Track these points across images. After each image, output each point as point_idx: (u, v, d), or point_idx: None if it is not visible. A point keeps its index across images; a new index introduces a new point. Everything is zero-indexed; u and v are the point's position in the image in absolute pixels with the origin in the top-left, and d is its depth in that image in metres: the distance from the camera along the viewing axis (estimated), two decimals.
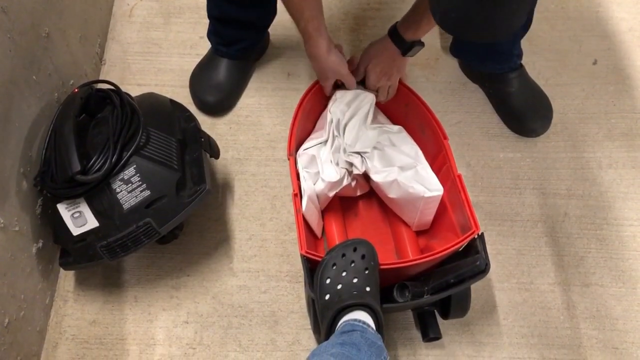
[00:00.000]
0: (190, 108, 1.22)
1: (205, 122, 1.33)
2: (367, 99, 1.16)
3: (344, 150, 1.12)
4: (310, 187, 1.08)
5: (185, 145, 1.09)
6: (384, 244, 1.18)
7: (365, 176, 1.15)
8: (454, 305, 1.03)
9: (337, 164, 1.12)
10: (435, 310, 1.08)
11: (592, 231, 1.24)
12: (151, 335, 1.13)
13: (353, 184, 1.16)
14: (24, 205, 1.04)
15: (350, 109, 1.15)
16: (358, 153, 1.12)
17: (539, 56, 1.44)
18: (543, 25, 1.48)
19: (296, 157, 1.13)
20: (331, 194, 1.12)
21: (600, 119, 1.36)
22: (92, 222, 1.01)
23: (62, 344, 1.12)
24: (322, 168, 1.10)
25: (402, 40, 1.09)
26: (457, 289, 0.97)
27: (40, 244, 1.09)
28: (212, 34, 1.34)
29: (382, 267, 0.96)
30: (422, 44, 1.10)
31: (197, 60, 1.38)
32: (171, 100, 1.17)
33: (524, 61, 1.34)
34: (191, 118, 1.16)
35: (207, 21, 1.31)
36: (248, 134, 1.34)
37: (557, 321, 1.15)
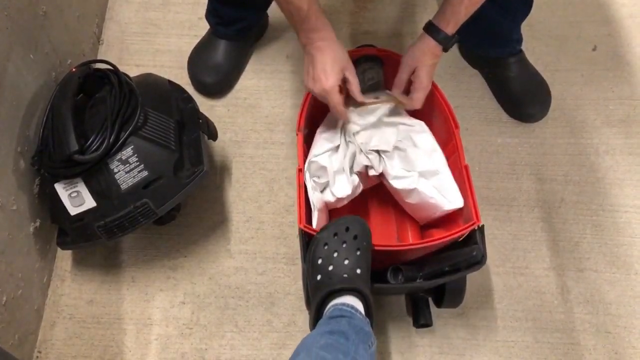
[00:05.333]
0: (188, 89, 1.21)
1: (203, 104, 1.32)
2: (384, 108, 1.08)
3: (360, 150, 1.05)
4: (319, 198, 1.02)
5: (183, 127, 1.09)
6: (386, 227, 1.17)
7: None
8: (447, 294, 1.04)
9: (352, 168, 1.06)
10: (430, 298, 1.09)
11: (587, 217, 1.24)
12: (148, 315, 1.13)
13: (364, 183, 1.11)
14: (22, 184, 1.04)
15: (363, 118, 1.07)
16: (377, 152, 1.05)
17: (539, 42, 1.43)
18: (543, 11, 1.47)
19: (304, 167, 1.04)
20: (340, 205, 1.07)
21: (598, 105, 1.36)
22: (89, 202, 1.01)
23: (60, 322, 1.13)
24: (334, 179, 1.03)
25: (446, 36, 1.01)
26: (451, 278, 0.97)
27: (37, 224, 1.09)
28: (210, 14, 1.33)
29: (377, 248, 0.95)
30: (458, 38, 1.03)
31: (196, 41, 1.37)
32: (169, 81, 1.16)
33: (523, 46, 1.34)
34: (189, 99, 1.16)
35: (206, 2, 1.30)
36: (246, 116, 1.33)
37: (551, 305, 1.16)
